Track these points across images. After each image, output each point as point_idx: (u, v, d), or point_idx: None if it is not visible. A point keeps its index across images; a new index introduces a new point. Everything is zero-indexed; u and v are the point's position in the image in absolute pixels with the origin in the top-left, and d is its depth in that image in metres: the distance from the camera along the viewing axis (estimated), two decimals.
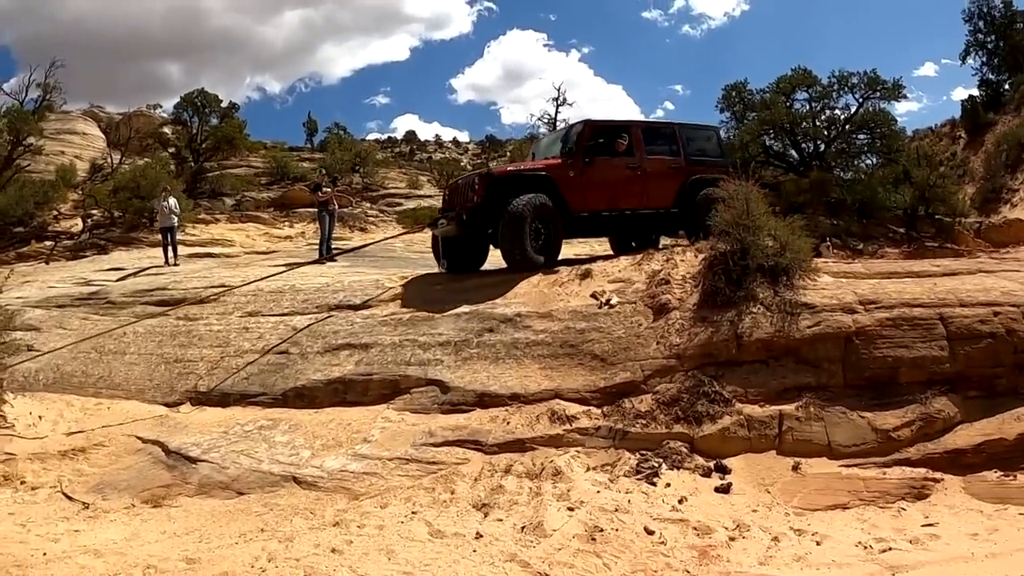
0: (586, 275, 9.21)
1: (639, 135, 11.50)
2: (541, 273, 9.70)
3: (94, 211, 21.99)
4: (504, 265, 10.37)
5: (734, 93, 27.85)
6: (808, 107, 26.52)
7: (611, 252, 12.12)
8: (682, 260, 8.85)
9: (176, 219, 17.03)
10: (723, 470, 6.46)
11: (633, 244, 12.08)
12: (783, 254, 7.99)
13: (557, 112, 35.81)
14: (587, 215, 10.81)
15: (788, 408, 6.82)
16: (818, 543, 5.29)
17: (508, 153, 44.64)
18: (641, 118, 13.28)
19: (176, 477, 7.00)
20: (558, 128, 12.42)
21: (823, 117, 26.45)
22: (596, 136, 10.97)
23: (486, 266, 11.17)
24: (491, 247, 11.04)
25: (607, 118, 11.68)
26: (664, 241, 12.12)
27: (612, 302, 8.41)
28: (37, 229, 20.91)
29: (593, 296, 8.63)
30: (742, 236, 8.06)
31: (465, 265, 11.04)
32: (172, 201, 16.91)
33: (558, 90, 32.75)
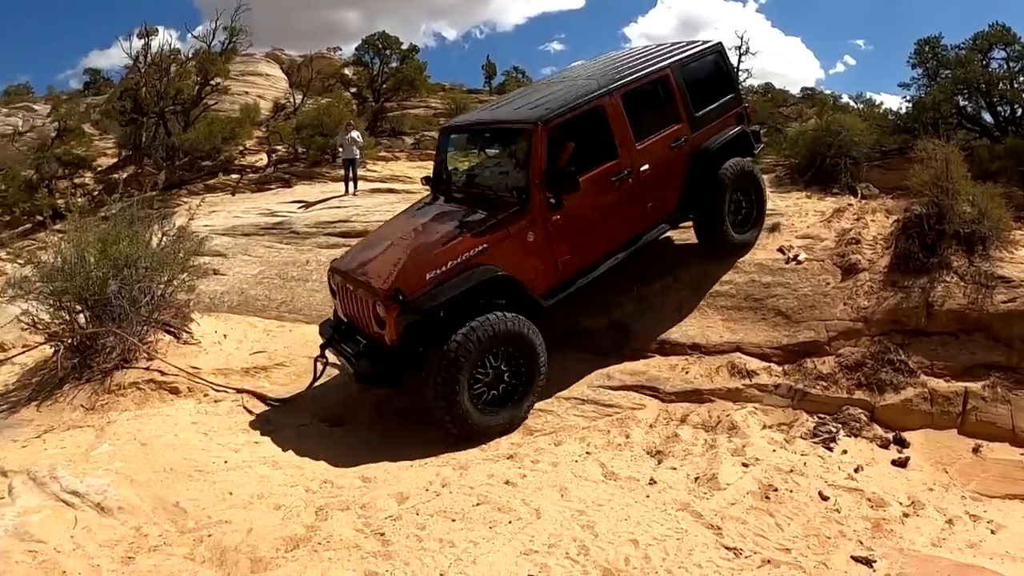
0: (774, 228, 9.01)
1: (620, 112, 7.11)
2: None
3: (278, 147, 23.16)
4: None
5: (927, 48, 25.80)
6: (1006, 67, 24.26)
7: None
8: (873, 220, 8.51)
9: (358, 151, 17.64)
10: (901, 443, 6.27)
11: None
12: (981, 222, 7.52)
13: (739, 63, 33.77)
14: (559, 285, 6.87)
15: (974, 386, 6.50)
16: (992, 532, 5.07)
17: None
18: (615, 56, 8.40)
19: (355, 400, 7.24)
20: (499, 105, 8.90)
21: (1022, 79, 24.12)
22: (557, 151, 6.55)
23: None
24: None
25: (563, 104, 6.88)
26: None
27: (800, 258, 8.23)
28: (224, 163, 22.14)
29: (780, 251, 8.47)
30: (940, 199, 7.66)
31: None
32: (355, 134, 17.53)
33: (741, 39, 30.49)
